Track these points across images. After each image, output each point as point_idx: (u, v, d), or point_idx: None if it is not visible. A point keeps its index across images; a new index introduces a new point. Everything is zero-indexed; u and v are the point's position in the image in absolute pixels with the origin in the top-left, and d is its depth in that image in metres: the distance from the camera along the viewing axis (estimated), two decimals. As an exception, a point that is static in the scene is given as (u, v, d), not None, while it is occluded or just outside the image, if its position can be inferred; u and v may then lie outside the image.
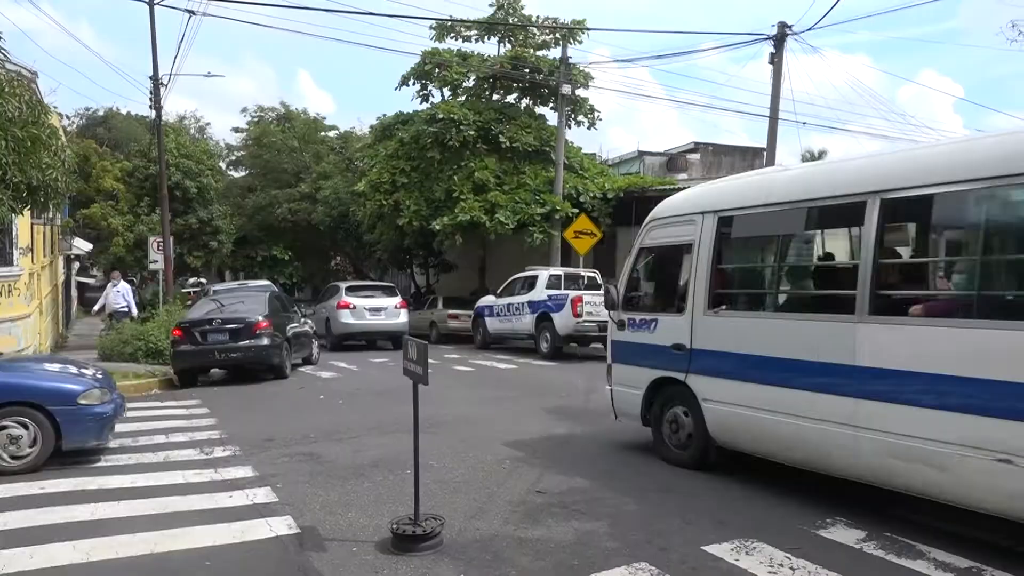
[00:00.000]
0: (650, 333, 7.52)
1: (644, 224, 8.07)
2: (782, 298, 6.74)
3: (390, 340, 19.32)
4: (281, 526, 5.39)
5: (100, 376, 7.99)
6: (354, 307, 19.10)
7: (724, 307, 6.86)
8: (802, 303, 6.51)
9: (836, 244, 6.86)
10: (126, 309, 17.75)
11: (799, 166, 8.38)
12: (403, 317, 19.62)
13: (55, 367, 8.12)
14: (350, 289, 20.34)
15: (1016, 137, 5.11)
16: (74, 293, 34.02)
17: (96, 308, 19.76)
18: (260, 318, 13.50)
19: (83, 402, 7.18)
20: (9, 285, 16.77)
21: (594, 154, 27.57)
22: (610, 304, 8.06)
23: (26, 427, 6.91)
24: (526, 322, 16.86)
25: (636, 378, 7.60)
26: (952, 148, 5.69)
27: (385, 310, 19.40)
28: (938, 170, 5.24)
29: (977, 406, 4.71)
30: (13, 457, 6.87)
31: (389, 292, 20.71)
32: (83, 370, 8.06)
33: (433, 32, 22.94)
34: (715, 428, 6.79)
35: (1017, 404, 4.46)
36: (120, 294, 17.91)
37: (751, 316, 6.74)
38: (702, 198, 7.50)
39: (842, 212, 6.05)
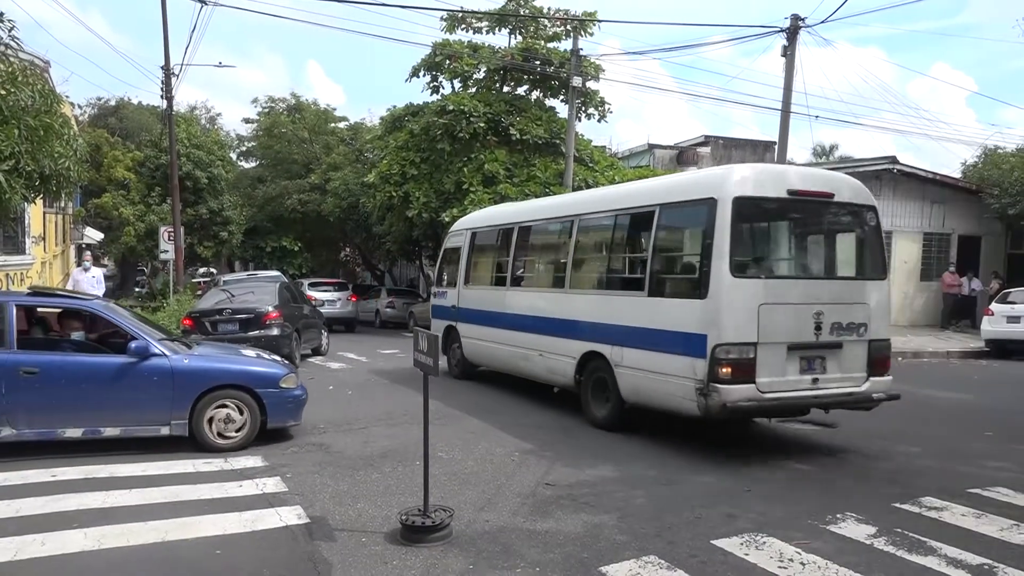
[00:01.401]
0: (444, 299, 12.86)
1: (447, 234, 13.53)
2: (488, 277, 11.80)
3: (343, 325, 23.31)
4: (291, 516, 5.41)
5: (287, 363, 8.52)
6: (314, 299, 21.86)
7: (471, 283, 12.05)
8: (493, 280, 11.55)
9: (505, 250, 11.26)
10: None
11: (505, 205, 14.04)
12: (351, 307, 24.19)
13: (252, 354, 8.69)
14: (311, 284, 24.10)
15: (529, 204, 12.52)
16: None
17: None
18: (270, 308, 13.54)
19: (284, 385, 7.76)
20: (22, 273, 16.88)
21: (604, 147, 27.47)
22: (430, 283, 13.93)
23: (238, 408, 7.47)
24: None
25: (439, 327, 12.77)
26: (542, 203, 12.32)
27: (339, 301, 23.74)
28: (534, 213, 11.04)
29: (533, 329, 9.89)
30: (223, 436, 7.42)
31: (342, 287, 25.37)
32: (273, 357, 8.73)
33: (444, 23, 22.82)
34: (467, 354, 12.06)
35: (541, 327, 9.69)
36: (96, 280, 15.51)
37: (478, 287, 11.86)
38: (468, 219, 13.16)
39: (507, 234, 11.26)
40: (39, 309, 8.17)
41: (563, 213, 10.07)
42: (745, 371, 6.82)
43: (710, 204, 7.10)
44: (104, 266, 41.20)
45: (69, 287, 14.04)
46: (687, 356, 7.07)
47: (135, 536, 4.97)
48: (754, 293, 6.93)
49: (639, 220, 8.40)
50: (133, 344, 7.21)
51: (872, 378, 7.45)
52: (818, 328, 7.13)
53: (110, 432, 7.19)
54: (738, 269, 6.96)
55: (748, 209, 7.17)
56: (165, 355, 7.35)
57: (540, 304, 9.97)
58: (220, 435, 7.42)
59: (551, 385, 9.94)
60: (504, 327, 10.68)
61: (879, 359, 7.51)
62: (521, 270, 10.95)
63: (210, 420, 7.39)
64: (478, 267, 12.17)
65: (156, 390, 7.23)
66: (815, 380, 7.17)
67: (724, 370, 6.80)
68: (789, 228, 8.01)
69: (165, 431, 7.32)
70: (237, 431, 7.47)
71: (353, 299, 24.36)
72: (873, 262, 7.88)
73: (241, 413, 7.49)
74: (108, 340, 7.84)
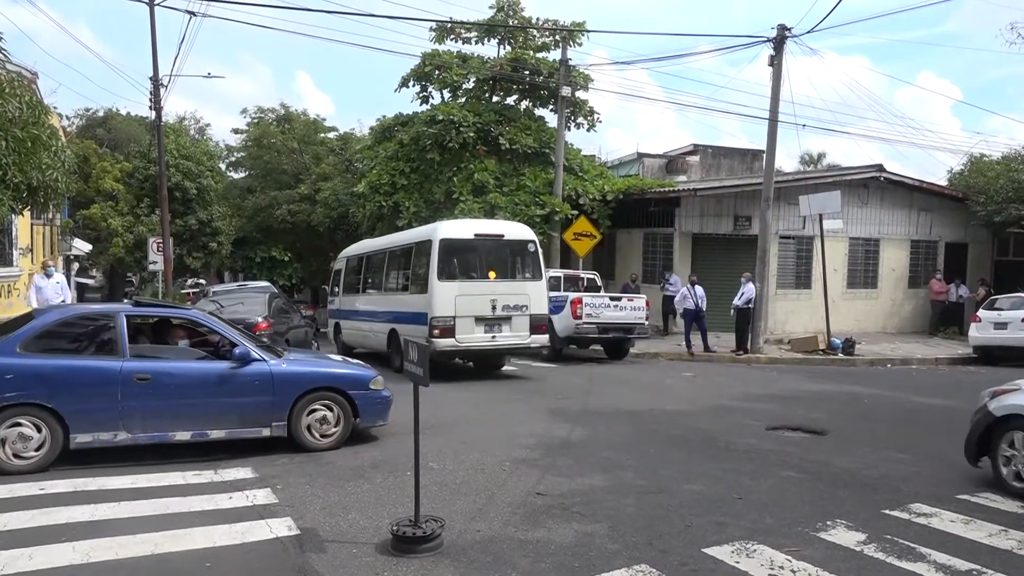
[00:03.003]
0: (333, 304, 18.24)
1: (335, 259, 19.38)
2: (352, 288, 16.97)
3: None
4: (281, 527, 5.38)
5: (369, 367, 8.85)
6: None
7: (344, 292, 17.30)
8: (354, 290, 16.83)
9: (359, 270, 16.83)
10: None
11: (363, 242, 18.57)
12: None
13: (338, 358, 9.27)
14: None
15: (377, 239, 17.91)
16: (73, 294, 33.94)
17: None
18: (260, 319, 13.46)
19: (373, 387, 8.13)
20: (9, 286, 16.78)
21: (593, 156, 27.57)
22: (326, 293, 19.59)
23: (332, 409, 7.84)
24: (526, 324, 16.85)
25: (331, 323, 18.35)
26: (376, 241, 17.30)
27: None
28: (384, 249, 15.74)
29: (369, 319, 15.40)
30: (322, 436, 7.79)
31: None
32: (357, 360, 9.22)
33: (433, 34, 22.89)
34: (345, 339, 16.94)
35: (372, 317, 15.22)
36: (60, 287, 13.91)
37: (348, 296, 17.11)
38: (345, 251, 18.36)
39: (360, 259, 16.86)
40: (142, 319, 8.45)
41: (382, 247, 16.00)
42: (448, 331, 12.46)
43: (429, 243, 12.83)
44: (92, 277, 40.96)
45: (31, 293, 13.61)
46: (422, 325, 12.58)
47: (124, 549, 4.94)
48: (452, 289, 12.55)
49: (407, 251, 14.23)
50: (237, 350, 7.61)
51: (533, 336, 13.10)
52: (494, 308, 12.71)
53: (216, 435, 7.48)
54: (443, 277, 12.58)
55: (449, 245, 12.83)
56: (265, 360, 7.70)
57: (372, 303, 15.73)
58: (316, 435, 7.76)
59: (368, 350, 15.45)
60: (358, 319, 16.16)
61: (537, 325, 13.15)
62: (365, 283, 16.54)
63: (307, 421, 7.74)
64: (348, 282, 17.47)
65: (258, 394, 7.58)
66: (493, 337, 12.84)
67: (436, 331, 12.36)
68: (475, 254, 13.45)
69: (266, 432, 7.64)
70: (331, 432, 7.83)
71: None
72: (532, 271, 13.50)
73: (335, 415, 7.84)
74: (202, 347, 8.28)
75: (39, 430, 6.87)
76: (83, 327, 7.61)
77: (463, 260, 13.25)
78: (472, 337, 12.56)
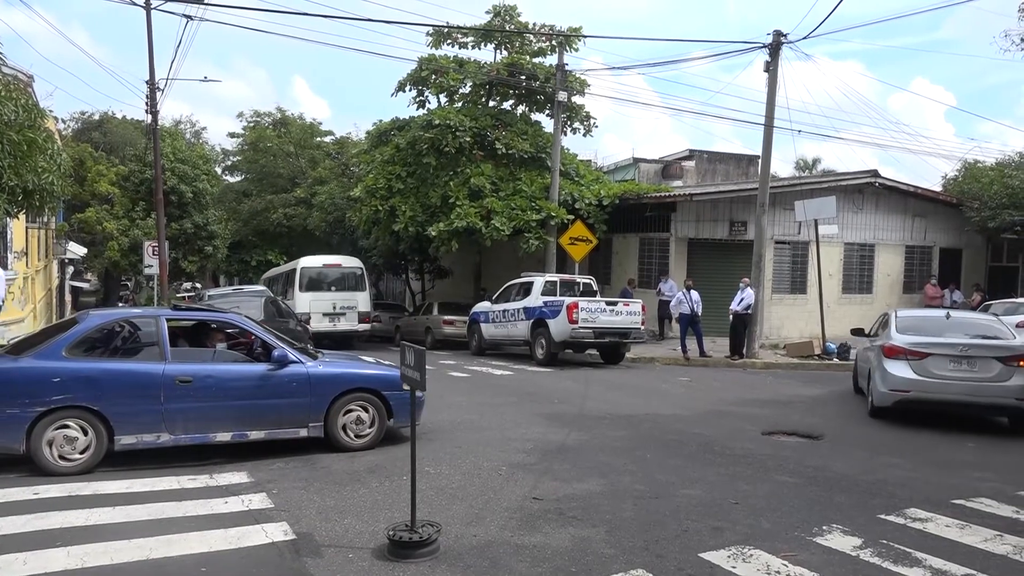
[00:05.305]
0: None
1: (260, 280, 28.44)
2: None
3: None
4: (277, 532, 5.37)
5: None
6: None
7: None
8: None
9: (274, 285, 23.59)
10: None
11: (275, 268, 28.15)
12: None
13: (371, 359, 9.45)
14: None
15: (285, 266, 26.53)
16: (68, 297, 33.87)
17: None
18: (255, 323, 13.47)
19: (407, 387, 7.66)
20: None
21: (590, 161, 27.62)
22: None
23: (367, 410, 8.02)
24: (521, 328, 16.83)
25: None
26: (281, 267, 26.88)
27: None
28: (279, 273, 25.41)
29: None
30: (358, 436, 7.96)
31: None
32: (389, 362, 9.21)
33: (430, 39, 22.91)
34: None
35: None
36: None
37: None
38: (263, 276, 28.52)
39: (272, 278, 25.53)
40: (177, 323, 8.56)
41: (278, 272, 24.50)
42: (307, 322, 18.92)
43: (295, 270, 21.52)
44: (87, 280, 40.82)
45: None
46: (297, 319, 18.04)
47: (119, 554, 4.92)
48: (309, 296, 20.81)
49: (286, 274, 22.54)
50: (275, 352, 7.76)
51: (360, 324, 21.05)
52: (334, 307, 20.86)
53: (255, 435, 7.61)
54: (303, 289, 20.99)
55: (307, 271, 21.32)
56: (302, 362, 7.86)
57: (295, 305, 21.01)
58: (351, 436, 7.92)
59: None
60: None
61: (362, 318, 21.09)
62: (277, 292, 21.89)
63: (342, 422, 7.91)
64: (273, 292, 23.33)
65: (296, 395, 7.74)
66: (335, 324, 20.75)
67: (302, 321, 17.62)
68: (325, 276, 21.40)
69: (303, 433, 7.79)
70: (366, 432, 7.99)
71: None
72: (358, 285, 21.51)
73: (370, 415, 8.01)
74: (237, 349, 8.52)
75: (85, 432, 6.99)
76: (126, 331, 7.72)
77: (315, 279, 21.34)
78: (321, 325, 20.22)
